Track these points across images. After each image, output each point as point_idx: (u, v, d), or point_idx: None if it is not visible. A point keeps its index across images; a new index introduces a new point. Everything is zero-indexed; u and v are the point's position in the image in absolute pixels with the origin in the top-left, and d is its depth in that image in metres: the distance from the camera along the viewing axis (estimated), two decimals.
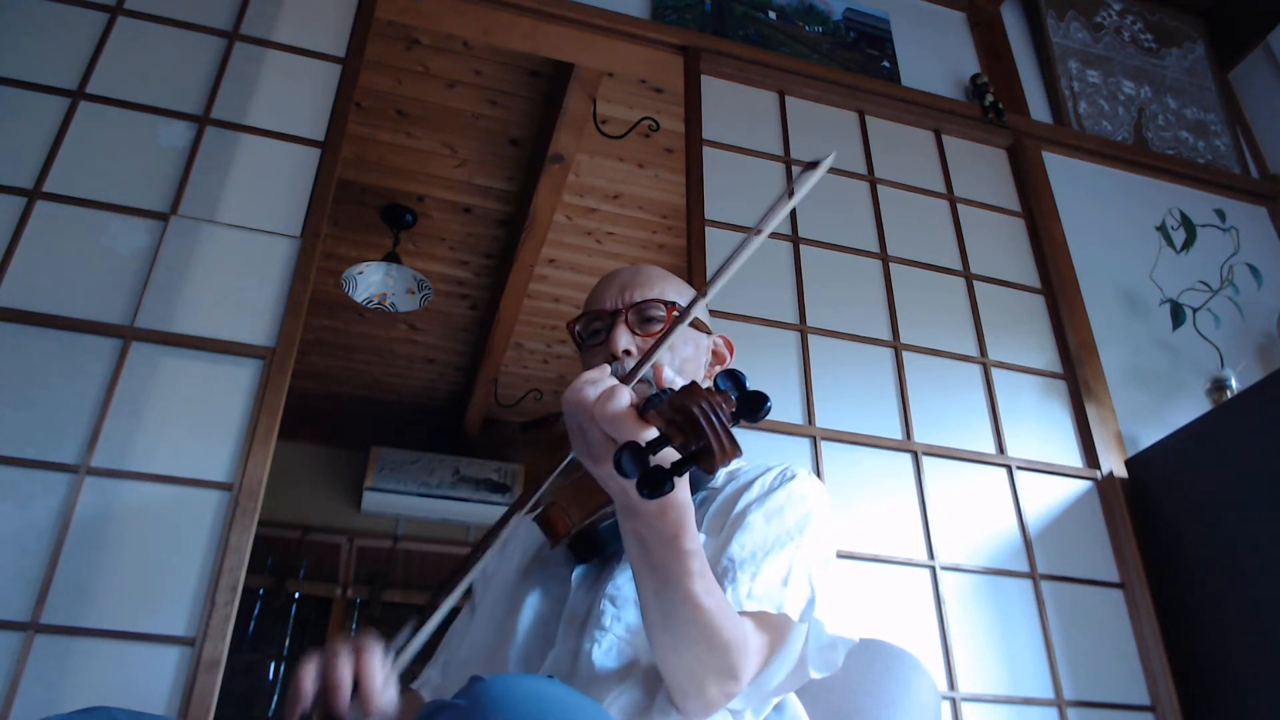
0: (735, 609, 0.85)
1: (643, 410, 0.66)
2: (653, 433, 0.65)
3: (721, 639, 0.79)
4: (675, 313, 1.07)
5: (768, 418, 1.87)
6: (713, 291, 0.81)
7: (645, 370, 0.76)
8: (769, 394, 0.61)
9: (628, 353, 1.04)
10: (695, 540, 0.76)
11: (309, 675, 0.76)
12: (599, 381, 0.71)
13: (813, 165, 0.78)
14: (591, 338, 1.10)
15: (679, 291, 1.13)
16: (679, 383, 0.69)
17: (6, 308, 1.56)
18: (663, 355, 0.83)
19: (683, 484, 0.74)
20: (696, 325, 1.12)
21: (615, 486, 0.73)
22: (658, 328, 1.07)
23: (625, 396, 0.68)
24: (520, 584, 1.04)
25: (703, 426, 0.59)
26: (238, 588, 1.45)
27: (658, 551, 0.75)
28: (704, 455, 0.59)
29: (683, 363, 1.08)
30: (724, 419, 0.59)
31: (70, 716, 0.76)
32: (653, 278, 1.12)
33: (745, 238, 0.79)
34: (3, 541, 1.39)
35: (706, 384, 0.64)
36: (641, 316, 1.08)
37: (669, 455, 0.61)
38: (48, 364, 1.54)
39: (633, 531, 0.76)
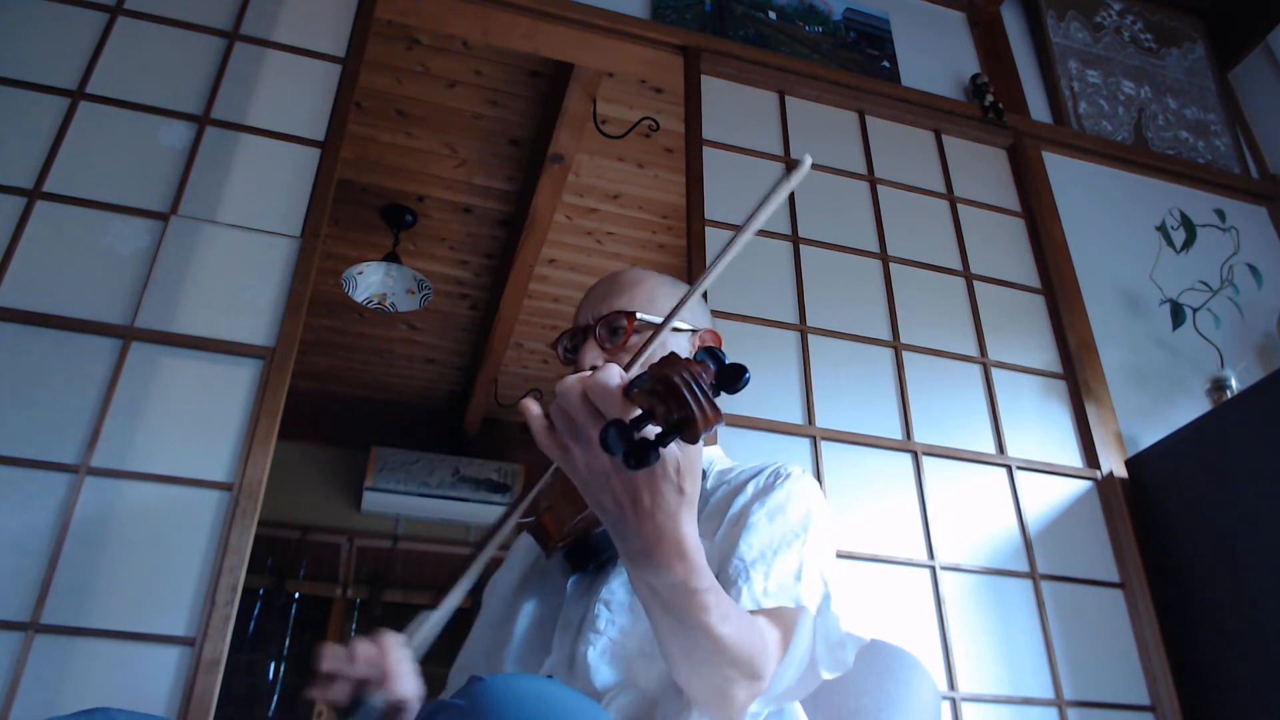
0: (751, 608, 0.85)
1: (627, 392, 0.66)
2: (637, 413, 0.65)
3: (743, 656, 0.78)
4: (636, 323, 1.06)
5: (768, 418, 1.88)
6: (683, 309, 0.80)
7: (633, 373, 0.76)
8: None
9: (595, 369, 1.04)
10: (706, 577, 0.74)
11: (335, 661, 0.82)
12: (585, 370, 0.71)
13: (794, 165, 0.77)
14: (569, 354, 1.10)
15: (650, 297, 1.10)
16: None
17: (6, 308, 1.56)
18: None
19: (690, 522, 0.71)
20: (675, 329, 1.09)
21: (610, 501, 0.70)
22: (620, 339, 1.05)
23: (616, 372, 0.68)
24: (518, 594, 1.05)
25: (685, 395, 0.59)
26: (238, 588, 1.45)
27: (670, 597, 0.74)
28: (687, 424, 0.59)
29: None
30: (704, 386, 0.59)
31: (71, 718, 0.76)
32: (621, 287, 1.11)
33: (727, 242, 0.79)
34: (3, 541, 1.39)
35: None
36: (609, 329, 1.07)
37: (653, 431, 0.61)
38: (48, 364, 1.54)
39: (642, 582, 0.74)
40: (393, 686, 0.83)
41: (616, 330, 1.06)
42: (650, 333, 1.06)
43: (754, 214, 0.71)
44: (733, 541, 0.94)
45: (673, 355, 0.62)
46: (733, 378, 0.61)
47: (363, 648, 0.83)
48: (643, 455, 0.59)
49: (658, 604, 0.76)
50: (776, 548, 0.92)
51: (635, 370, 0.73)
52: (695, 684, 0.82)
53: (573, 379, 0.68)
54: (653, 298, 1.10)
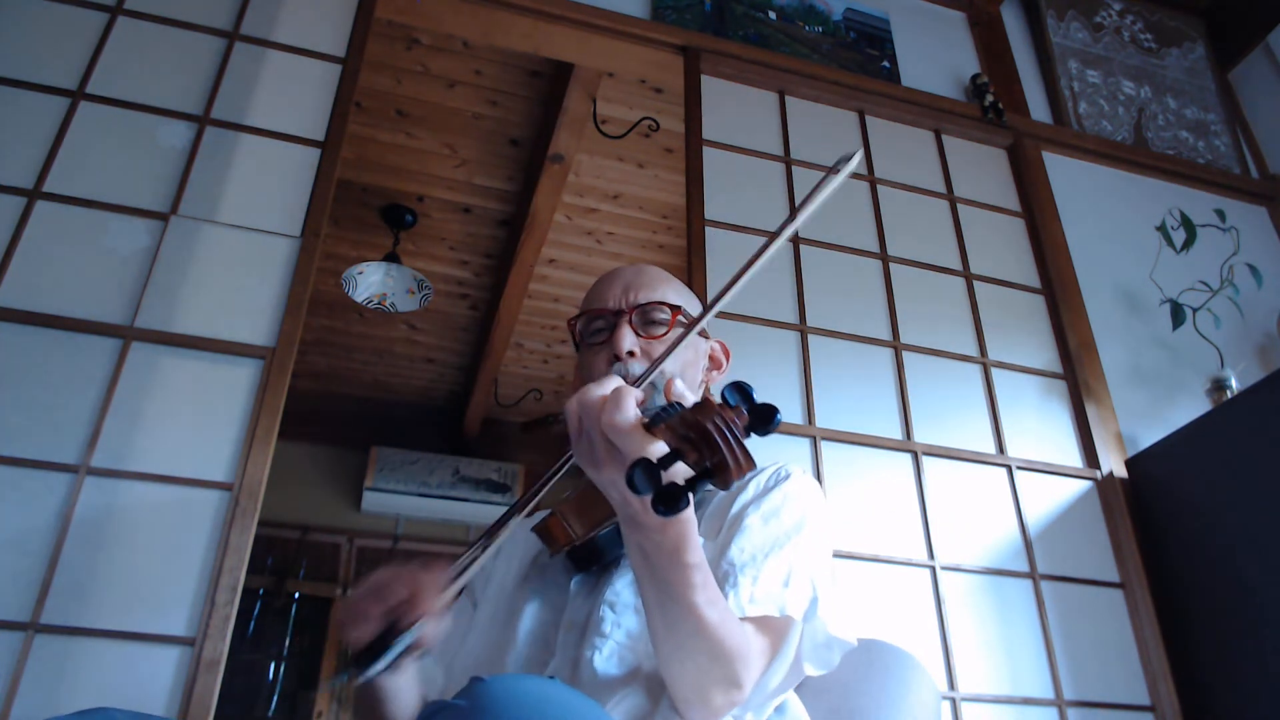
0: (738, 614, 0.84)
1: (652, 424, 0.65)
2: (661, 447, 0.64)
3: (724, 649, 0.79)
4: (680, 317, 1.07)
5: None
6: (720, 304, 0.81)
7: (653, 376, 0.76)
8: (770, 396, 0.60)
9: (631, 354, 1.04)
10: (697, 553, 0.76)
11: (372, 592, 0.81)
12: (605, 386, 0.70)
13: (834, 169, 0.77)
14: (593, 336, 1.09)
15: (680, 295, 1.12)
16: (688, 397, 0.68)
17: (6, 308, 1.56)
18: (668, 362, 0.83)
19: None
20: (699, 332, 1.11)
21: (617, 495, 0.72)
22: (661, 330, 1.06)
23: (632, 405, 0.67)
24: (519, 591, 1.04)
25: (718, 442, 0.58)
26: (238, 588, 1.45)
27: (660, 564, 0.75)
28: (719, 471, 0.59)
29: (684, 367, 1.08)
30: (738, 434, 0.59)
31: (71, 718, 0.76)
32: (656, 279, 1.11)
33: (758, 249, 0.79)
34: (3, 541, 1.39)
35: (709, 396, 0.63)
36: (645, 318, 1.07)
37: (680, 471, 0.61)
38: (48, 364, 1.54)
39: (635, 543, 0.76)
40: (429, 623, 0.80)
41: (656, 321, 1.07)
42: (681, 330, 1.07)
43: (805, 201, 0.73)
44: (726, 542, 0.94)
45: (706, 400, 0.63)
46: (765, 420, 0.61)
47: (410, 573, 0.81)
48: (672, 503, 0.59)
49: (648, 572, 0.77)
50: (768, 552, 0.92)
51: (649, 379, 0.73)
52: (676, 672, 0.82)
53: (592, 401, 0.69)
54: (683, 296, 1.12)
